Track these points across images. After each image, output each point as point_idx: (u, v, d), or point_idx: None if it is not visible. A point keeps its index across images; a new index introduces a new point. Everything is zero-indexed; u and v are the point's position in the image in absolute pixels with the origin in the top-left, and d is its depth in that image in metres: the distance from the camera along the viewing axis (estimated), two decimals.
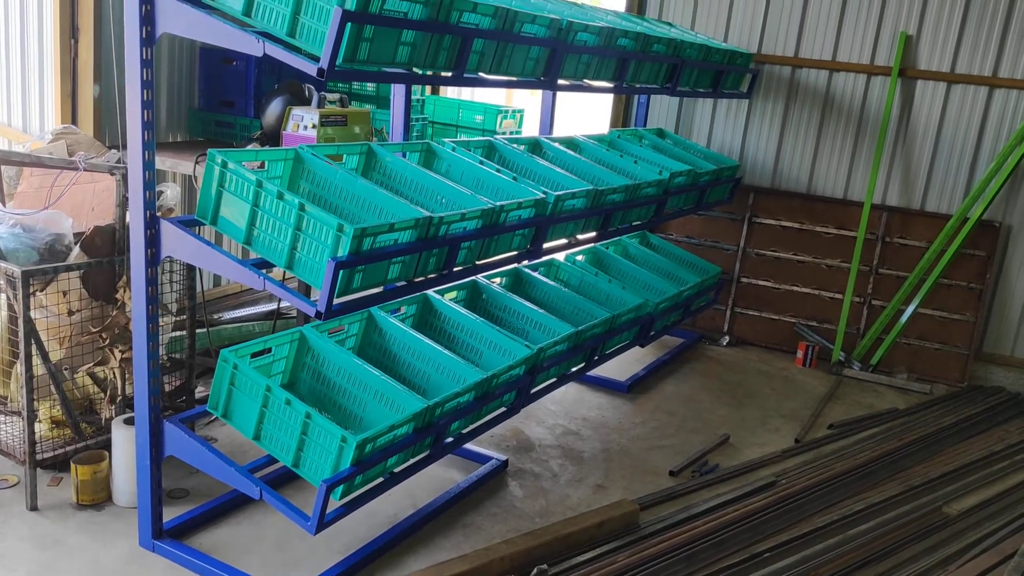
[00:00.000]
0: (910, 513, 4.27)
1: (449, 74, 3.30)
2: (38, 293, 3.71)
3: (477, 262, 3.70)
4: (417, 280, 3.34)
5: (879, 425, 5.47)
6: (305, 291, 4.20)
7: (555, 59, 3.86)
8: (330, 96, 4.68)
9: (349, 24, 2.72)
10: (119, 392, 3.91)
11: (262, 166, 3.36)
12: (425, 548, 3.69)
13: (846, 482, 4.55)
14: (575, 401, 5.38)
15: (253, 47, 2.79)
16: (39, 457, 3.68)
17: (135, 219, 3.14)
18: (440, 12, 3.08)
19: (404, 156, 4.01)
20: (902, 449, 5.01)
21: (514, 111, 6.62)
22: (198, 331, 4.55)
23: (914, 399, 6.02)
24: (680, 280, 6.05)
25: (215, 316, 5.10)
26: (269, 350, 3.58)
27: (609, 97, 7.47)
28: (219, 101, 5.52)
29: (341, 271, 2.86)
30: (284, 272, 3.08)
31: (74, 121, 4.73)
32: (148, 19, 2.97)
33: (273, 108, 4.84)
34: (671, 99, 7.05)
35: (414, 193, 3.72)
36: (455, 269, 3.49)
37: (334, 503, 3.13)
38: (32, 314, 3.70)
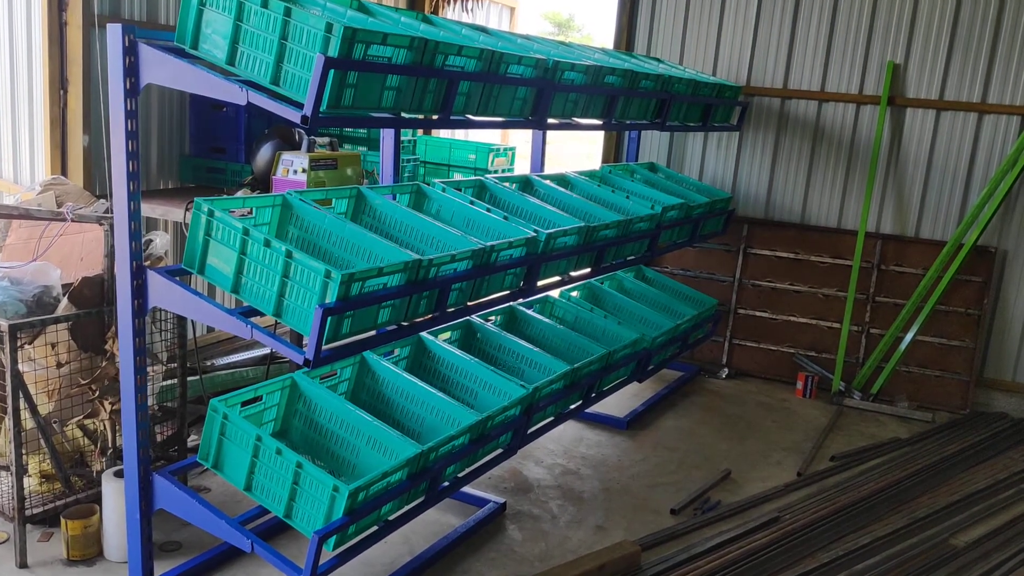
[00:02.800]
0: (917, 546, 4.20)
1: (436, 117, 3.29)
2: (26, 346, 3.68)
3: (469, 303, 3.68)
4: (407, 324, 3.30)
5: (882, 455, 5.41)
6: (296, 339, 4.16)
7: (543, 98, 3.86)
8: (320, 140, 4.69)
9: (332, 71, 2.72)
10: (109, 444, 3.86)
11: (250, 213, 3.35)
12: None
13: (850, 515, 4.48)
14: (574, 439, 5.33)
15: (237, 96, 2.78)
16: (28, 512, 3.62)
17: (121, 270, 3.11)
18: (425, 56, 3.08)
19: (395, 198, 4.01)
20: (906, 480, 4.95)
21: (505, 149, 6.63)
22: (190, 379, 4.51)
23: (916, 428, 5.96)
24: (677, 313, 6.01)
25: (208, 363, 5.06)
26: (260, 398, 3.54)
27: (600, 133, 7.49)
28: (210, 147, 5.53)
29: (329, 318, 2.84)
30: (276, 320, 3.05)
31: (64, 171, 4.72)
32: (132, 70, 2.96)
33: (263, 153, 4.85)
34: (662, 133, 7.07)
35: (404, 236, 3.70)
36: (447, 311, 3.46)
37: (328, 554, 3.07)
38: (21, 367, 3.67)
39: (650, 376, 5.55)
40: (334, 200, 3.70)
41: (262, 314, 3.16)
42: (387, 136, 4.27)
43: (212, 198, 3.14)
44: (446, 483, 3.68)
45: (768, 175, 6.84)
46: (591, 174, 5.73)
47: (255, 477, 3.21)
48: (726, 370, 6.86)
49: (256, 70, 2.82)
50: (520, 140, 9.85)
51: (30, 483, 3.79)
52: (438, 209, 4.12)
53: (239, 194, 4.58)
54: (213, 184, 5.45)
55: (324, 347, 3.00)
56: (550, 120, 4.05)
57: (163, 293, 3.11)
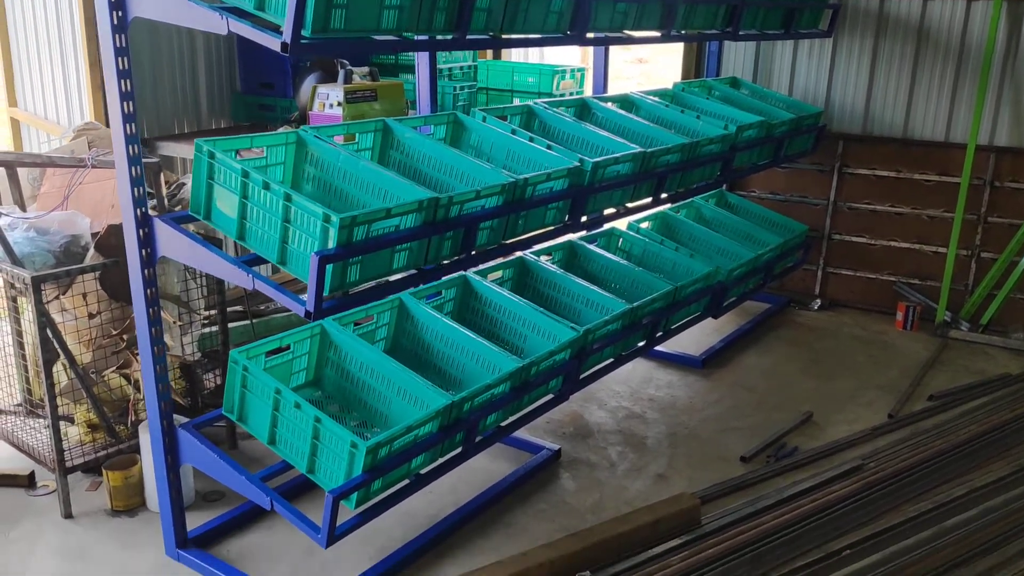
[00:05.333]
0: (1020, 498, 3.75)
1: (449, 37, 2.97)
2: (60, 296, 3.62)
3: (504, 241, 3.39)
4: (428, 268, 3.05)
5: (988, 394, 4.89)
6: None
7: (582, 8, 3.47)
8: (359, 70, 4.43)
9: None
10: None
11: (261, 152, 3.14)
12: (464, 551, 3.44)
13: (945, 463, 4.05)
14: (643, 380, 5.02)
15: (218, 25, 2.55)
16: (71, 464, 3.60)
17: (127, 218, 2.97)
18: None
19: (430, 130, 3.73)
20: (1014, 422, 4.44)
21: (573, 70, 6.21)
22: (242, 323, 4.41)
23: None
24: (760, 242, 5.56)
25: (263, 306, 4.96)
26: (288, 347, 3.38)
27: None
28: (259, 83, 5.35)
29: (329, 265, 2.61)
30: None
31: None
32: (118, 3, 2.75)
33: (304, 87, 4.65)
34: (746, 46, 6.49)
35: (434, 172, 3.42)
36: (473, 253, 3.18)
37: (350, 511, 2.91)
38: (57, 317, 3.62)
39: (726, 312, 5.16)
40: (358, 135, 3.45)
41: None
42: (422, 60, 3.96)
43: (220, 138, 2.94)
44: (487, 433, 3.47)
45: (866, 86, 6.20)
46: (661, 94, 5.29)
47: (278, 431, 3.07)
48: (818, 301, 6.36)
49: None
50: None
51: (77, 432, 3.78)
52: (479, 141, 3.82)
53: (281, 131, 4.40)
54: (264, 121, 5.30)
55: (353, 291, 2.81)
56: (593, 34, 3.65)
57: (170, 242, 2.95)
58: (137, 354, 3.63)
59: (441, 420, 3.10)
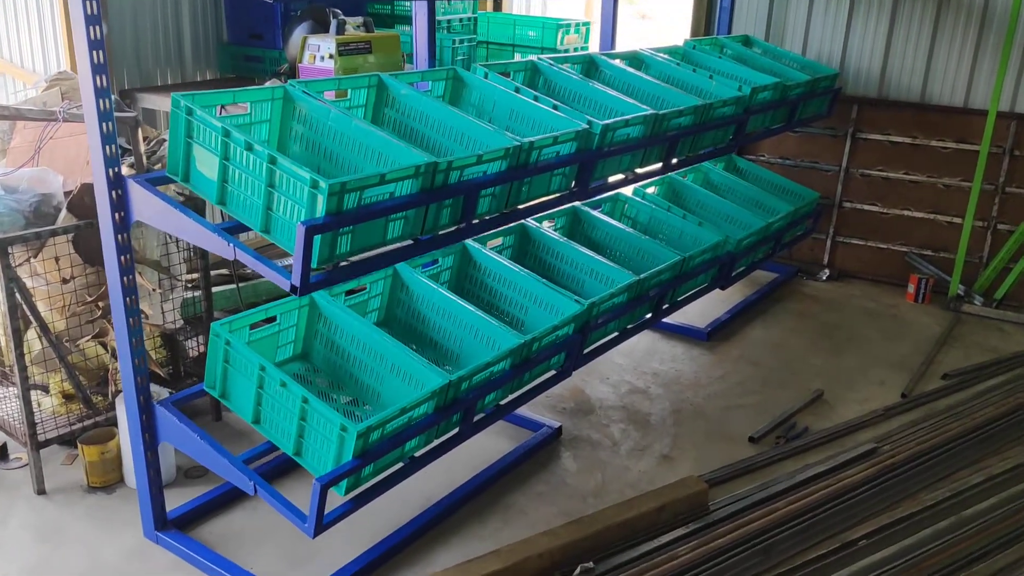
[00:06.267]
0: None
1: None
2: (31, 260, 3.38)
3: (506, 210, 3.16)
4: (425, 238, 2.82)
5: (1005, 373, 4.71)
6: None
7: None
8: (353, 20, 4.15)
9: None
10: None
11: (246, 109, 2.89)
12: (458, 537, 3.26)
13: (962, 448, 3.88)
14: (646, 353, 4.82)
15: None
16: (44, 437, 3.40)
17: (98, 179, 2.72)
18: None
19: (428, 87, 3.48)
20: None
21: (578, 24, 5.92)
22: (228, 287, 4.19)
23: None
24: (770, 209, 5.34)
25: (248, 270, 4.73)
26: (274, 319, 3.17)
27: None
28: (248, 34, 5.06)
29: (317, 236, 2.38)
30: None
31: None
32: None
33: (294, 38, 4.36)
34: (759, 1, 6.19)
35: (432, 132, 3.18)
36: (474, 222, 2.95)
37: (340, 498, 2.72)
38: (29, 282, 3.39)
39: (735, 283, 4.95)
40: (350, 91, 3.19)
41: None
42: (419, 10, 3.68)
43: (200, 92, 2.69)
44: (485, 412, 3.27)
45: (883, 47, 5.92)
46: (671, 51, 5.03)
47: (263, 410, 2.87)
48: (827, 271, 6.16)
49: None
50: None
51: (52, 403, 3.57)
52: (480, 99, 3.57)
53: (268, 84, 4.13)
54: (251, 74, 5.02)
55: (344, 261, 2.59)
56: None
57: (144, 205, 2.72)
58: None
59: (437, 401, 2.90)
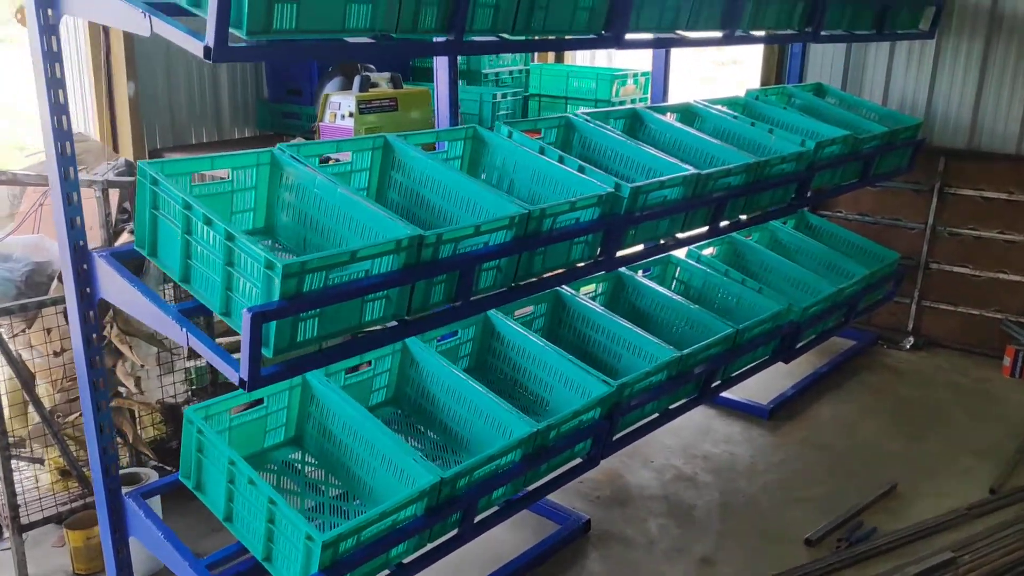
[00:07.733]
0: None
1: (442, 39, 2.43)
2: (26, 331, 3.22)
3: (515, 284, 2.83)
4: (412, 318, 2.52)
5: None
6: None
7: (619, 4, 2.88)
8: (380, 76, 3.93)
9: None
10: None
11: (227, 176, 2.67)
12: None
13: None
14: (698, 431, 4.38)
15: (139, 24, 2.06)
16: (27, 520, 3.19)
17: (63, 253, 2.52)
18: None
19: (444, 147, 3.21)
20: None
21: (637, 74, 5.60)
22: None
23: None
24: (843, 272, 4.87)
25: None
26: (262, 400, 2.91)
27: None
28: (287, 89, 4.92)
29: (272, 323, 2.10)
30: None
31: (113, 122, 4.26)
32: (48, 1, 2.31)
33: (323, 95, 4.16)
34: (835, 48, 5.76)
35: (438, 198, 2.89)
36: (472, 299, 2.64)
37: None
38: (21, 354, 3.23)
39: (800, 355, 4.48)
40: (352, 154, 2.94)
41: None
42: (440, 64, 3.42)
43: (162, 160, 2.48)
44: (492, 509, 2.93)
45: (973, 94, 5.40)
46: (731, 102, 4.65)
47: (234, 507, 2.59)
48: (911, 339, 5.59)
49: None
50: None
51: (47, 480, 3.38)
52: (502, 161, 3.27)
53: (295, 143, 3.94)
54: (289, 131, 4.87)
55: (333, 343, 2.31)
56: (636, 35, 3.06)
57: (110, 282, 2.50)
58: (118, 394, 3.22)
59: (428, 501, 2.57)
